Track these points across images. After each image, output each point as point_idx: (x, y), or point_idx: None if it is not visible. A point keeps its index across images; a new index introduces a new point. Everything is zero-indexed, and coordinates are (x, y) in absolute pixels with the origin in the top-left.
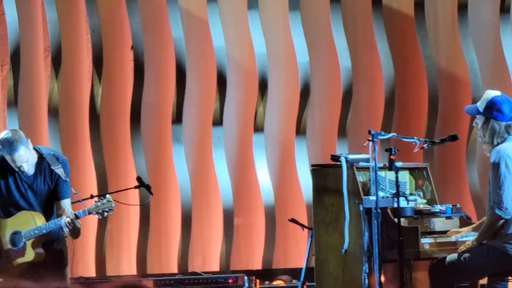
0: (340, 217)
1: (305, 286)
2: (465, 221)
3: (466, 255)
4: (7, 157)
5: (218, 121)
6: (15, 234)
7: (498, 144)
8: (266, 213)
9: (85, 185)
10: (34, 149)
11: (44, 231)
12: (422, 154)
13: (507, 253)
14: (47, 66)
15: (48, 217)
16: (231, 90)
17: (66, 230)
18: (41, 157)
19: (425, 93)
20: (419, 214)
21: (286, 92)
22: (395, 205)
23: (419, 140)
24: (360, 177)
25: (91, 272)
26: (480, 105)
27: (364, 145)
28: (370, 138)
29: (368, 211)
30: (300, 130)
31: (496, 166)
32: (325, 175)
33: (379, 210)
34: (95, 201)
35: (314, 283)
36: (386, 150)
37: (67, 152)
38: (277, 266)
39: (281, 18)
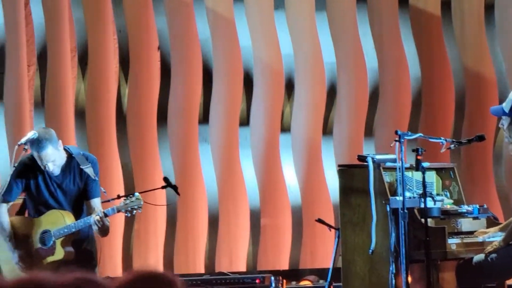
0: (367, 218)
1: (332, 287)
2: (492, 222)
3: (493, 255)
4: (35, 154)
5: (244, 122)
6: (45, 233)
7: None
8: (293, 214)
9: (111, 185)
10: (64, 149)
11: (74, 230)
12: (449, 155)
13: None
14: (74, 66)
15: (77, 217)
16: (258, 90)
17: (95, 228)
18: (70, 157)
19: (452, 93)
20: (446, 214)
21: (312, 93)
22: (422, 205)
23: (446, 140)
24: (387, 178)
25: (118, 272)
26: (506, 105)
27: (391, 145)
28: (397, 139)
29: (395, 211)
30: (327, 131)
31: None
32: (352, 175)
33: (406, 211)
34: (124, 199)
35: (341, 284)
36: (413, 151)
37: (93, 152)
38: (304, 267)
39: (307, 18)
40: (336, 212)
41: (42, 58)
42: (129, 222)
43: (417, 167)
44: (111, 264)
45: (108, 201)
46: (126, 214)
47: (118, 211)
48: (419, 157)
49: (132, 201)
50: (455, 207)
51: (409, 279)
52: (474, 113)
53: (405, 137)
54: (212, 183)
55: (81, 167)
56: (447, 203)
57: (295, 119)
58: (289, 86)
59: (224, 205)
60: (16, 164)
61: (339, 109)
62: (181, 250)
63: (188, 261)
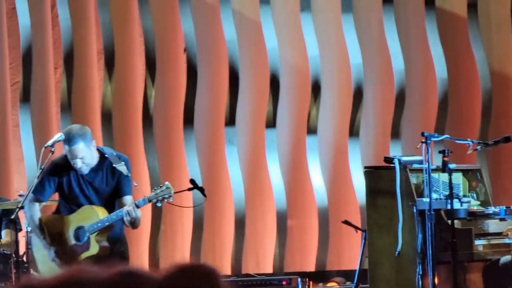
0: (394, 219)
1: None
2: None
3: None
4: (65, 148)
5: (271, 123)
6: (79, 229)
7: None
8: (320, 215)
9: (138, 188)
10: (98, 150)
11: (107, 223)
12: (476, 156)
13: None
14: (100, 68)
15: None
16: (284, 92)
17: (127, 219)
18: (103, 157)
19: (478, 95)
20: (473, 216)
21: (339, 94)
22: (449, 207)
23: (472, 142)
24: (414, 179)
25: None
26: None
27: (418, 147)
28: (423, 140)
29: (421, 213)
30: (353, 132)
31: None
32: (378, 177)
33: (432, 212)
34: (154, 189)
35: (368, 285)
36: (440, 152)
37: None
38: (330, 268)
39: (333, 20)
40: (362, 213)
41: (69, 61)
42: (156, 224)
43: (444, 168)
44: (138, 265)
45: (135, 203)
46: (157, 204)
47: (149, 201)
48: (445, 159)
49: (162, 190)
50: (482, 209)
51: (436, 280)
52: (500, 115)
53: (432, 139)
54: (238, 185)
55: (114, 165)
56: (474, 205)
57: (321, 121)
58: (316, 88)
59: (250, 207)
60: (47, 164)
61: (366, 110)
62: (208, 252)
63: (215, 263)
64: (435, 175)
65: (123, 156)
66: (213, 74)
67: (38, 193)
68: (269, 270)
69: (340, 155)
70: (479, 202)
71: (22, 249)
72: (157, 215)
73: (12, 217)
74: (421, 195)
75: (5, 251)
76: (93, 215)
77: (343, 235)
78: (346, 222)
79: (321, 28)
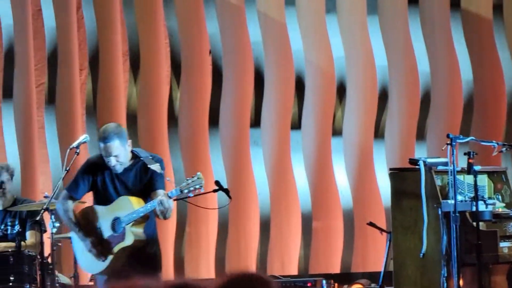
0: (419, 221)
1: None
2: None
3: None
4: (100, 145)
5: (296, 125)
6: (115, 220)
7: None
8: (345, 217)
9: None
10: (132, 152)
11: (142, 214)
12: (501, 158)
13: None
14: (126, 70)
15: None
16: (309, 94)
17: (159, 208)
18: (137, 158)
19: (504, 96)
20: (498, 218)
21: (364, 96)
22: (474, 209)
23: (497, 143)
24: (439, 181)
25: (170, 276)
26: None
27: (443, 148)
28: (448, 142)
29: (446, 215)
30: (379, 134)
31: None
32: (403, 178)
33: (457, 214)
34: (186, 179)
35: (393, 287)
36: (465, 154)
37: None
38: (355, 270)
39: (359, 22)
40: (387, 215)
41: (94, 62)
42: (181, 226)
43: (469, 170)
44: (163, 266)
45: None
46: (189, 195)
47: (181, 191)
48: (470, 161)
49: (193, 181)
50: (507, 211)
51: (461, 282)
52: None
53: (457, 141)
54: (263, 187)
55: (148, 166)
56: (499, 207)
57: (346, 122)
58: (341, 90)
59: (275, 208)
60: (83, 163)
61: (391, 112)
62: (233, 254)
63: (240, 265)
64: (460, 177)
65: (157, 156)
66: (238, 75)
67: (72, 191)
68: (294, 271)
69: (365, 157)
70: (504, 204)
71: (47, 251)
72: (182, 217)
73: (37, 218)
74: (446, 197)
75: (30, 253)
76: (129, 206)
77: (368, 236)
78: (371, 224)
79: (347, 29)
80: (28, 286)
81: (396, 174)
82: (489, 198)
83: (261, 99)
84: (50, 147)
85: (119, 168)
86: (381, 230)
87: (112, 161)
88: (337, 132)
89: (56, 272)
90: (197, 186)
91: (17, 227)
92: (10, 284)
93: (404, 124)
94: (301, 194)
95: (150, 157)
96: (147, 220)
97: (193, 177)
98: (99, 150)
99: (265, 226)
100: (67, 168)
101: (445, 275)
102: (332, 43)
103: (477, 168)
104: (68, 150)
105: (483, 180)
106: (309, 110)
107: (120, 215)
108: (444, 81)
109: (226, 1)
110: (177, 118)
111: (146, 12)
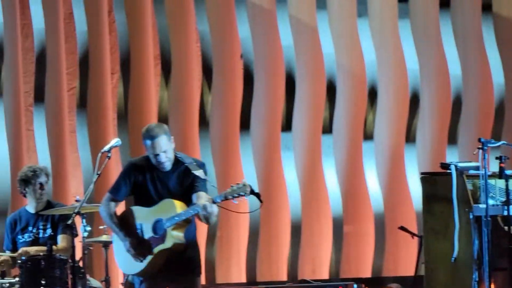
0: (450, 225)
1: None
2: None
3: None
4: (148, 143)
5: (327, 129)
6: (157, 222)
7: None
8: (376, 221)
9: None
10: (175, 156)
11: (184, 217)
12: None
13: None
14: (157, 74)
15: None
16: (341, 98)
17: (202, 214)
18: (179, 162)
19: None
20: None
21: (395, 100)
22: (505, 213)
23: None
24: (470, 185)
25: (201, 280)
26: None
27: (474, 153)
28: (480, 146)
29: (478, 219)
30: (410, 138)
31: None
32: (434, 183)
33: (489, 218)
34: (231, 185)
35: None
36: (496, 158)
37: None
38: (387, 274)
39: (390, 26)
40: (418, 219)
41: (126, 66)
42: (212, 230)
43: (501, 174)
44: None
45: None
46: (234, 201)
47: (226, 197)
48: (502, 165)
49: (239, 187)
50: None
51: (492, 287)
52: None
53: (489, 145)
54: (294, 191)
55: (192, 171)
56: None
57: (378, 126)
58: (372, 93)
59: (306, 212)
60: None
61: (422, 116)
62: (264, 258)
63: (271, 269)
64: (491, 181)
65: (199, 161)
66: (269, 79)
67: (114, 193)
68: (325, 276)
69: (397, 161)
70: None
71: (78, 255)
72: None
73: (69, 222)
74: (477, 201)
75: (61, 257)
76: (172, 209)
77: (399, 241)
78: (402, 228)
79: (378, 33)
80: None
81: (427, 178)
82: None
83: (292, 103)
84: (81, 151)
85: (168, 165)
86: (412, 234)
87: (163, 157)
88: (368, 136)
89: (87, 276)
90: (242, 193)
91: (49, 231)
92: None
93: (436, 128)
94: (332, 198)
95: (194, 163)
96: (188, 224)
97: (238, 184)
98: (146, 148)
99: (296, 230)
100: (99, 172)
101: (477, 279)
102: (363, 47)
103: (508, 172)
104: (100, 154)
105: None
106: (341, 114)
107: (162, 217)
108: (475, 85)
109: (258, 5)
110: (208, 122)
111: (177, 16)
